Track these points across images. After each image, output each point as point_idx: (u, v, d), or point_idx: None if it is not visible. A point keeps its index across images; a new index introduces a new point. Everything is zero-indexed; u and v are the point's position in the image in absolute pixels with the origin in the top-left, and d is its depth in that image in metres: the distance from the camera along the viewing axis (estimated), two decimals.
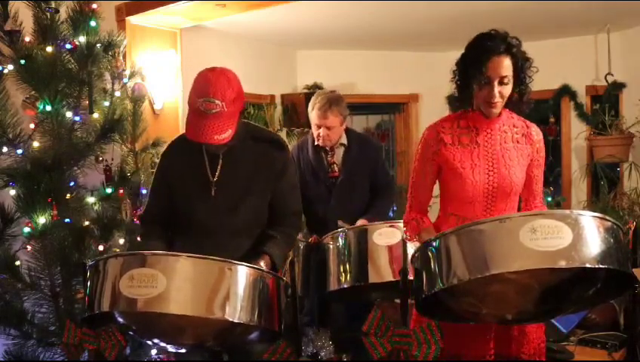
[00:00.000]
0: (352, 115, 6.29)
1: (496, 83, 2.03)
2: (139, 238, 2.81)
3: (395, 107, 6.35)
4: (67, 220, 2.94)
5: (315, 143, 3.37)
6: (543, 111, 5.54)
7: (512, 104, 2.13)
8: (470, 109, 2.15)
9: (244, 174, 2.26)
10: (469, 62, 2.05)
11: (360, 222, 3.15)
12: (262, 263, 2.21)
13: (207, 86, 2.09)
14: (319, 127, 3.28)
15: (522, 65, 2.07)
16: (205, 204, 2.25)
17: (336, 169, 3.37)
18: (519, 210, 2.22)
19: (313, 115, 3.30)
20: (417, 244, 2.14)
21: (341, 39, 5.47)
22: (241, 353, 2.24)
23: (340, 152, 3.39)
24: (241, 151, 2.26)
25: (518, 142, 2.16)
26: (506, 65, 2.03)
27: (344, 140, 3.38)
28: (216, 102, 2.06)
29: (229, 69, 2.20)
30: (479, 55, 2.03)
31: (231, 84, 2.13)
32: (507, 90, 2.06)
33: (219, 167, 2.25)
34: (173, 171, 2.32)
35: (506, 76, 2.03)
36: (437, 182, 2.24)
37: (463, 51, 2.13)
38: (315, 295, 3.04)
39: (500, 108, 2.10)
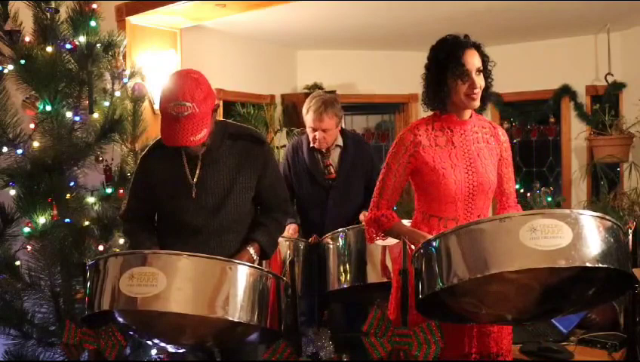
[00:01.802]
0: (352, 115, 6.31)
1: (474, 74, 2.11)
2: (123, 235, 2.82)
3: (395, 107, 6.35)
4: (67, 220, 2.94)
5: (311, 145, 3.34)
6: (543, 111, 5.54)
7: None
8: (443, 112, 2.20)
9: (224, 174, 2.27)
10: (445, 60, 2.12)
11: (364, 215, 3.14)
12: (251, 250, 2.26)
13: (175, 89, 2.08)
14: (315, 130, 3.25)
15: (486, 61, 2.17)
16: (187, 205, 2.26)
17: (332, 171, 3.35)
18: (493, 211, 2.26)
19: (308, 118, 3.26)
20: (383, 241, 2.26)
21: (341, 39, 5.47)
22: (234, 352, 2.25)
23: (336, 154, 3.36)
24: (220, 150, 2.27)
25: (487, 142, 2.24)
26: (477, 58, 2.13)
27: (339, 141, 3.36)
28: (187, 104, 2.05)
29: (195, 70, 2.19)
30: (454, 50, 2.11)
31: (199, 84, 2.12)
32: (482, 81, 2.15)
33: (198, 168, 2.26)
34: (154, 174, 2.32)
35: (479, 67, 2.13)
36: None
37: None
38: (315, 295, 3.04)
39: (479, 99, 2.16)
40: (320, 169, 3.34)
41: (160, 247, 2.26)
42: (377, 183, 2.28)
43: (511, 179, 2.31)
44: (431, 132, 2.20)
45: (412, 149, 2.18)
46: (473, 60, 2.11)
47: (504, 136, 2.30)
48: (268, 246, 2.32)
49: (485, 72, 2.16)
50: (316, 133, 3.25)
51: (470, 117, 2.22)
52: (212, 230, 2.26)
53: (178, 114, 2.05)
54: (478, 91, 2.12)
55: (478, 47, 2.15)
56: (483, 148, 2.21)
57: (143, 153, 2.42)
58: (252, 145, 2.31)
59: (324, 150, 3.32)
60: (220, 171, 2.26)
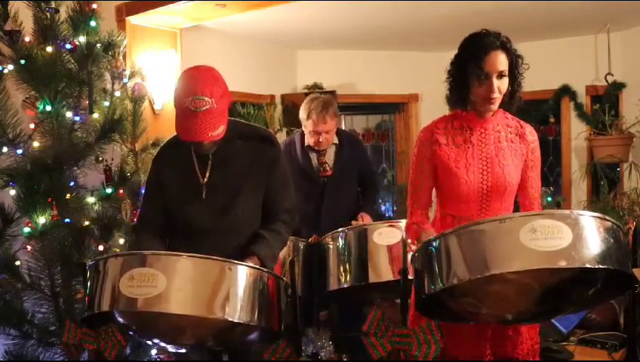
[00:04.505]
0: (352, 115, 6.31)
1: (494, 78, 2.04)
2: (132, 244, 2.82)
3: (395, 107, 6.35)
4: (67, 220, 2.94)
5: (306, 144, 3.38)
6: (543, 111, 5.54)
7: (502, 103, 2.13)
8: (464, 110, 2.16)
9: (235, 174, 2.25)
10: (467, 59, 2.06)
11: (362, 218, 3.25)
12: (250, 264, 2.17)
13: (194, 84, 2.06)
14: (318, 133, 3.28)
15: (516, 62, 2.09)
16: (197, 206, 2.24)
17: (328, 168, 3.40)
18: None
19: (310, 122, 3.28)
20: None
21: (341, 39, 5.47)
22: (241, 353, 2.24)
23: (331, 152, 3.41)
24: (231, 150, 2.24)
25: (512, 141, 2.17)
26: (502, 60, 2.04)
27: (335, 140, 3.41)
28: (206, 99, 2.03)
29: (211, 67, 2.17)
30: (477, 51, 2.04)
31: (217, 79, 2.11)
32: (504, 84, 2.07)
33: (208, 168, 2.24)
34: (165, 175, 2.30)
35: (503, 70, 2.05)
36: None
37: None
38: (314, 295, 3.04)
39: (498, 104, 2.11)
40: (314, 167, 3.40)
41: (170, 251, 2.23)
42: (409, 188, 2.26)
43: (536, 183, 2.21)
44: (450, 130, 2.17)
45: (430, 147, 2.17)
46: (496, 63, 2.02)
47: (532, 136, 2.20)
48: (267, 260, 2.24)
49: (513, 73, 2.08)
50: (320, 137, 3.29)
51: (493, 115, 2.15)
52: (222, 232, 2.24)
53: (196, 109, 2.03)
54: (497, 96, 2.06)
55: (506, 49, 2.05)
56: (505, 147, 2.15)
57: (155, 155, 2.41)
58: (263, 146, 2.29)
59: (325, 150, 3.36)
60: (230, 171, 2.24)
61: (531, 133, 2.21)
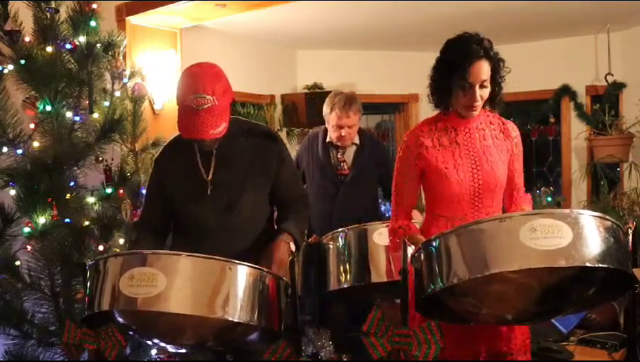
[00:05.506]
0: None
1: (477, 88, 2.07)
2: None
3: (395, 107, 6.35)
4: (67, 220, 2.94)
5: (328, 141, 3.40)
6: (543, 111, 5.54)
7: (485, 105, 2.17)
8: (446, 112, 2.19)
9: (238, 170, 2.25)
10: (451, 69, 2.08)
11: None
12: (287, 239, 2.23)
13: (196, 82, 2.07)
14: (341, 127, 3.30)
15: (497, 67, 2.11)
16: (202, 204, 2.24)
17: (345, 167, 3.41)
18: (503, 203, 2.25)
19: (333, 115, 3.30)
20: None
21: (341, 39, 5.47)
22: (245, 353, 2.24)
23: (351, 151, 3.42)
24: (234, 147, 2.25)
25: (496, 138, 2.21)
26: (485, 69, 2.06)
27: (356, 140, 3.42)
28: (207, 97, 2.04)
29: (214, 64, 2.17)
30: (461, 61, 2.05)
31: (219, 77, 2.12)
32: (486, 92, 2.10)
33: (212, 165, 2.25)
34: (168, 175, 2.31)
35: (485, 80, 2.07)
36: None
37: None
38: (314, 295, 3.04)
39: (479, 110, 2.15)
40: (332, 164, 3.41)
41: (174, 249, 2.23)
42: (392, 192, 2.27)
43: (521, 173, 2.28)
44: (434, 132, 2.19)
45: (416, 151, 2.18)
46: (480, 73, 2.04)
47: (515, 131, 2.25)
48: (298, 235, 2.29)
49: (495, 78, 2.10)
50: (342, 131, 3.30)
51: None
52: (226, 230, 2.24)
53: (198, 106, 2.04)
54: (478, 104, 2.10)
55: (489, 56, 2.07)
56: (490, 145, 2.18)
57: (156, 156, 2.41)
58: (265, 142, 2.30)
59: (346, 146, 3.37)
60: (234, 168, 2.25)
61: (513, 129, 2.26)
